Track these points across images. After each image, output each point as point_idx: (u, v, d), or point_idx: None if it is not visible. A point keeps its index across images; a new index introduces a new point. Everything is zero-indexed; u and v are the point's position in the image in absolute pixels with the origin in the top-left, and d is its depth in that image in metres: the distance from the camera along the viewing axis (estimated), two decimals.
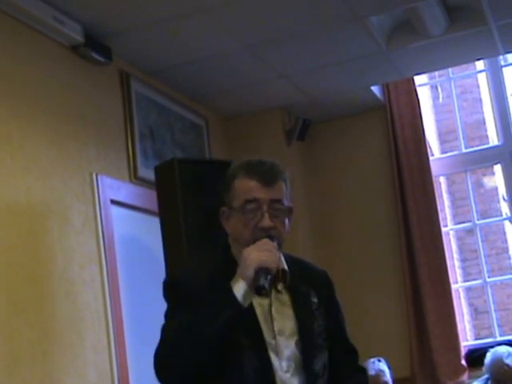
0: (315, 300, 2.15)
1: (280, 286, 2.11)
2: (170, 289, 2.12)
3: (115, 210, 4.03)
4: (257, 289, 1.96)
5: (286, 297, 2.12)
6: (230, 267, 2.05)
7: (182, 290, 2.07)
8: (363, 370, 2.30)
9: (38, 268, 3.42)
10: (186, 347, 1.94)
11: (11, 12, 3.50)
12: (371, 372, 4.68)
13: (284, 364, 2.03)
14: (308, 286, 2.16)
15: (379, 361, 4.78)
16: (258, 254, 1.98)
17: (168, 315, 2.09)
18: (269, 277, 1.98)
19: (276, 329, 2.06)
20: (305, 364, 2.05)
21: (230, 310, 1.95)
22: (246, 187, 2.07)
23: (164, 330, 2.03)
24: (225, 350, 1.96)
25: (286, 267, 2.13)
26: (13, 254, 3.29)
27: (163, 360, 1.98)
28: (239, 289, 1.96)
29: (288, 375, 2.03)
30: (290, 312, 2.10)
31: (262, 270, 1.96)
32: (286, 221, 2.10)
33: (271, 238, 2.04)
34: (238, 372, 1.99)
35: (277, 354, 2.03)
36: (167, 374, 1.99)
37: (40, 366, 3.30)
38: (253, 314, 2.04)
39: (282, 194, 2.09)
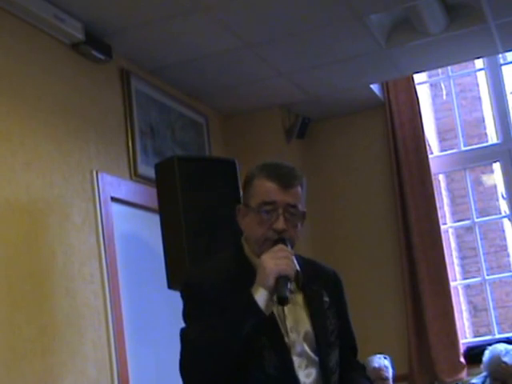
0: (327, 299, 2.20)
1: (293, 287, 2.11)
2: (189, 291, 2.13)
3: (115, 208, 4.04)
4: (280, 299, 1.97)
5: (299, 297, 2.15)
6: (245, 267, 2.09)
7: (202, 291, 2.08)
8: (364, 368, 2.35)
9: (38, 264, 3.43)
10: (211, 355, 1.97)
11: (12, 10, 3.51)
12: (375, 364, 4.76)
13: (296, 360, 2.07)
14: (320, 286, 2.21)
15: (385, 358, 4.86)
16: (276, 262, 2.00)
17: (188, 317, 2.10)
18: (289, 284, 2.00)
19: (288, 326, 2.09)
20: (320, 361, 2.10)
21: (253, 318, 1.98)
22: (265, 188, 2.11)
23: (187, 333, 2.05)
24: (246, 351, 1.99)
25: (298, 268, 2.14)
26: (13, 251, 3.30)
27: (189, 364, 2.01)
28: (261, 297, 1.98)
29: (301, 371, 2.07)
30: (302, 311, 2.14)
31: (282, 278, 1.98)
32: (299, 225, 2.14)
33: (283, 240, 2.07)
34: (260, 371, 2.03)
35: (290, 350, 2.07)
36: (193, 378, 2.02)
37: (40, 362, 3.31)
38: (272, 314, 2.06)
39: (299, 198, 2.13)
